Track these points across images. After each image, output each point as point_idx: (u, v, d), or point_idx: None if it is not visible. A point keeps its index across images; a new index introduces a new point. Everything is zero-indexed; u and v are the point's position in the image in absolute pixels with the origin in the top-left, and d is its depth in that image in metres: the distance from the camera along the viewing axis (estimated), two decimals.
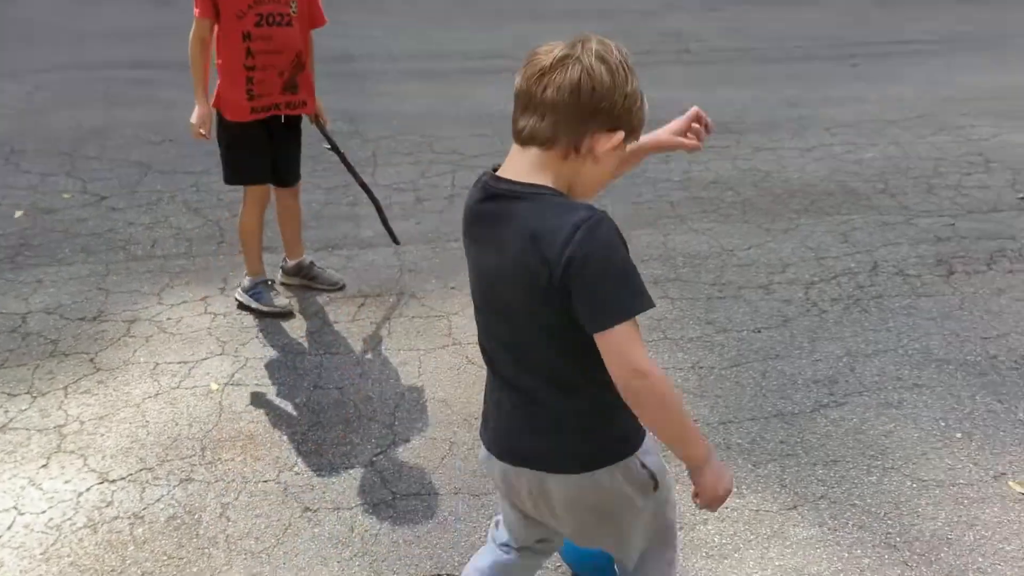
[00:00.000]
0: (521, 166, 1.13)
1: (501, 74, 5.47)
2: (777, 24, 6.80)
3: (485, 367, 1.25)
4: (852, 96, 4.92)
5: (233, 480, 1.97)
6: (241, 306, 2.77)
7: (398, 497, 1.90)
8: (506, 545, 1.36)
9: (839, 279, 2.90)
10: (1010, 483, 1.89)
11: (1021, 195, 3.56)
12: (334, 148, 2.88)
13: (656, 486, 1.22)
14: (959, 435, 2.06)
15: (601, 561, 1.46)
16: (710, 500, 1.17)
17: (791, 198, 3.59)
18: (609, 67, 1.08)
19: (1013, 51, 5.82)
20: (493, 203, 1.14)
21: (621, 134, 1.12)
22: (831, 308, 2.71)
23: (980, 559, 1.67)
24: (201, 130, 2.58)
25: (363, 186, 2.98)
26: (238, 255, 2.90)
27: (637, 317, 1.06)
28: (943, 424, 2.10)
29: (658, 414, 1.12)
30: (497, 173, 1.15)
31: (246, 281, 2.78)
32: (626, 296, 1.06)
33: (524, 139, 1.12)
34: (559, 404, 1.17)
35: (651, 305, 1.08)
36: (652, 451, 1.24)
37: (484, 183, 1.16)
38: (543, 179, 1.11)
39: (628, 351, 1.06)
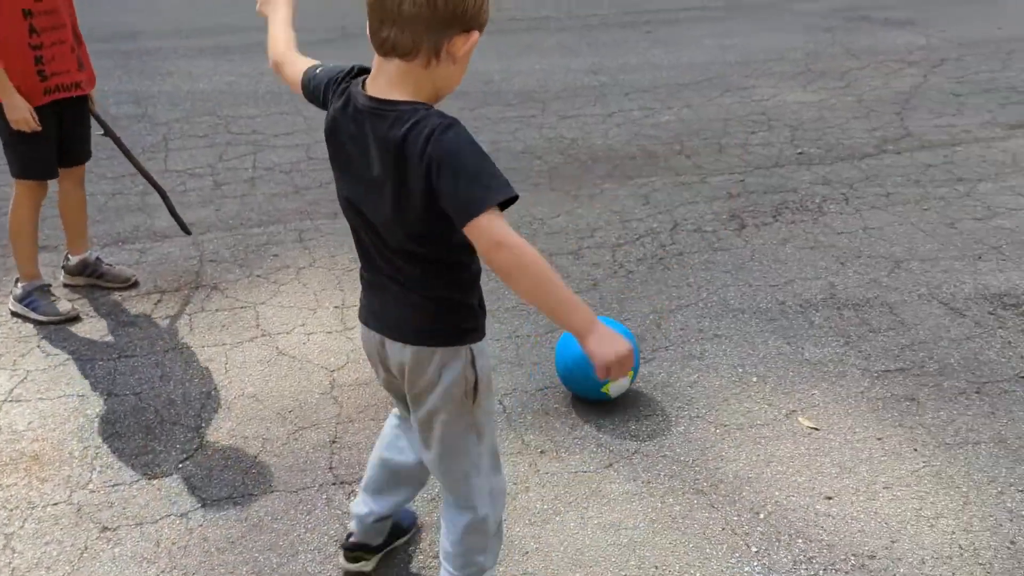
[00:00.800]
0: (384, 79, 1.18)
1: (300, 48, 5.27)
2: None
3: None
4: (647, 62, 5.13)
5: (16, 507, 1.78)
6: (16, 315, 2.50)
7: (208, 503, 1.79)
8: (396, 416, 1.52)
9: (643, 240, 3.02)
10: (800, 419, 2.04)
11: (799, 150, 3.85)
12: (108, 132, 2.64)
13: (476, 398, 1.30)
14: (755, 379, 2.21)
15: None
16: (606, 363, 1.12)
17: (596, 164, 3.69)
18: None
19: (788, 15, 6.28)
20: (356, 116, 1.20)
21: (477, 34, 1.17)
22: (637, 268, 2.82)
23: (777, 493, 1.80)
24: (29, 120, 2.28)
25: (143, 172, 2.75)
26: (10, 257, 2.61)
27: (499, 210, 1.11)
28: (740, 370, 2.25)
29: (528, 282, 1.14)
30: (364, 87, 1.21)
31: (18, 288, 2.51)
32: (479, 190, 1.11)
33: (386, 50, 1.16)
34: (412, 288, 1.26)
35: (510, 193, 1.11)
36: (486, 356, 1.32)
37: (350, 93, 1.22)
38: (404, 92, 1.16)
39: (489, 231, 1.10)
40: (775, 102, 4.47)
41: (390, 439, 1.52)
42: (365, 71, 1.23)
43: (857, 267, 2.80)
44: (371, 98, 1.17)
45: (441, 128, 1.11)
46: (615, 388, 2.03)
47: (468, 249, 1.21)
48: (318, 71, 1.33)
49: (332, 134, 1.25)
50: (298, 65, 1.38)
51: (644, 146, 3.89)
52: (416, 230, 1.19)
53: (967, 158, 3.72)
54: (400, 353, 1.30)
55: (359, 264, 1.34)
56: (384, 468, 1.51)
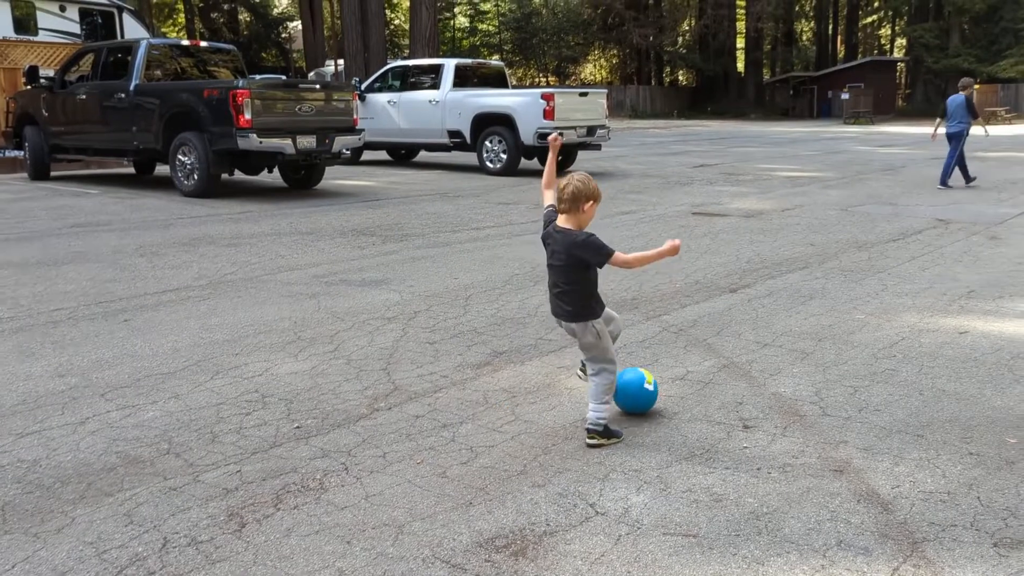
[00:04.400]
0: (564, 220, 3.48)
1: None
2: (35, 287, 6.37)
3: None
4: (126, 354, 4.78)
5: None
6: None
7: None
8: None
9: (125, 572, 2.59)
10: None
11: (296, 425, 3.81)
12: None
13: (599, 336, 3.55)
14: None
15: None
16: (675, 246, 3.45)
17: (64, 487, 3.17)
18: (586, 181, 3.43)
19: (272, 285, 6.49)
20: (553, 234, 3.50)
21: (593, 202, 3.46)
22: None
23: None
24: None
25: None
26: None
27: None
28: None
29: (638, 265, 3.52)
30: (556, 225, 3.50)
31: None
32: (606, 250, 3.40)
33: (562, 212, 3.47)
34: (574, 296, 3.50)
35: (612, 250, 3.43)
36: (606, 319, 3.65)
37: (553, 225, 3.52)
38: (572, 224, 3.47)
39: (620, 261, 3.41)
40: (267, 376, 4.44)
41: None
42: (553, 216, 3.55)
43: (363, 543, 2.75)
44: (560, 227, 3.48)
45: (587, 235, 3.43)
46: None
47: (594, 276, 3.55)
48: (547, 211, 3.61)
49: (544, 240, 3.56)
50: (547, 201, 3.68)
51: (126, 452, 3.49)
52: (574, 272, 3.49)
53: (448, 403, 4.06)
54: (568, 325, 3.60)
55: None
56: None
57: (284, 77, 30.91)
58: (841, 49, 64.43)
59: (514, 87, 19.29)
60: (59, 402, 4.03)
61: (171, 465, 3.37)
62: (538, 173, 15.63)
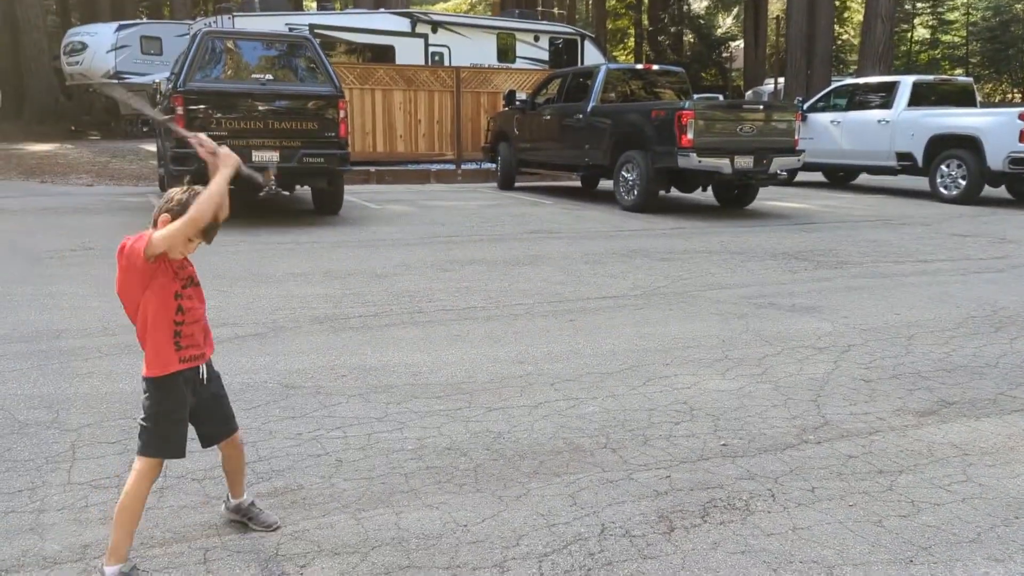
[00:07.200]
0: None
1: (231, 342, 5.29)
2: (501, 282, 7.34)
3: None
4: (571, 350, 5.29)
5: None
6: None
7: None
8: None
9: (570, 548, 2.90)
10: None
11: (723, 442, 3.88)
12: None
13: None
14: None
15: None
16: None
17: (522, 460, 3.64)
18: None
19: (702, 302, 6.66)
20: None
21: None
22: None
23: None
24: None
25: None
26: None
27: None
28: None
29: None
30: None
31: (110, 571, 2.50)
32: None
33: None
34: None
35: None
36: None
37: None
38: None
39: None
40: (696, 390, 4.58)
41: None
42: None
43: (790, 575, 2.71)
44: None
45: None
46: None
47: None
48: None
49: None
50: None
51: (570, 439, 3.88)
52: None
53: (885, 448, 3.80)
54: None
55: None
56: None
57: (721, 96, 31.32)
58: None
59: (980, 104, 17.11)
60: (518, 385, 4.62)
61: (608, 459, 3.67)
62: (1004, 203, 13.72)
